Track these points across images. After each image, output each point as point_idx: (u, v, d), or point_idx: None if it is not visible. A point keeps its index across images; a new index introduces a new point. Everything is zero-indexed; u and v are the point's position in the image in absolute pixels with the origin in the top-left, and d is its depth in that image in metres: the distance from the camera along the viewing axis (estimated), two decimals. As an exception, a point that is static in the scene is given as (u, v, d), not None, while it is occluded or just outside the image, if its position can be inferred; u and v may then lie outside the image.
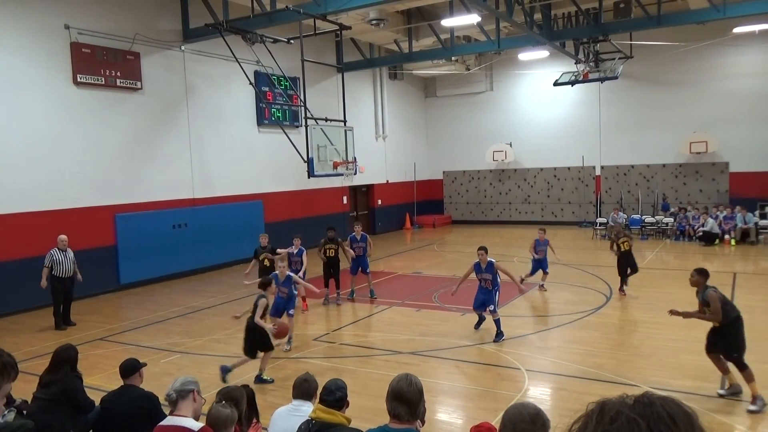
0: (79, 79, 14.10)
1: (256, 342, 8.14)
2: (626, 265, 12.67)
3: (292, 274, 10.01)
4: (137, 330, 11.40)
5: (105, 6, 14.78)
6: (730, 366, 7.07)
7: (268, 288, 8.54)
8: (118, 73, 14.94)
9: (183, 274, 16.50)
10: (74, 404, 5.13)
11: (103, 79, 14.58)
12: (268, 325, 8.21)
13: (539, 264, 13.43)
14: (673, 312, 7.37)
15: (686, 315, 7.36)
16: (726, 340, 7.01)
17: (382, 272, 15.97)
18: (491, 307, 9.94)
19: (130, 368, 5.24)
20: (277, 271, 10.01)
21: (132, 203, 15.49)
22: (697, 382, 7.63)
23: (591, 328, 10.39)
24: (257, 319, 8.07)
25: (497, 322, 9.83)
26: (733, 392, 7.07)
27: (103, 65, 14.58)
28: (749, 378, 6.80)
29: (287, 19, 15.07)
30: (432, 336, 10.04)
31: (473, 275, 10.19)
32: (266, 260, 12.17)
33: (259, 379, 8.15)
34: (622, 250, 12.60)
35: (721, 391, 7.19)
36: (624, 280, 12.68)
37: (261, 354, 8.25)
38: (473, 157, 27.53)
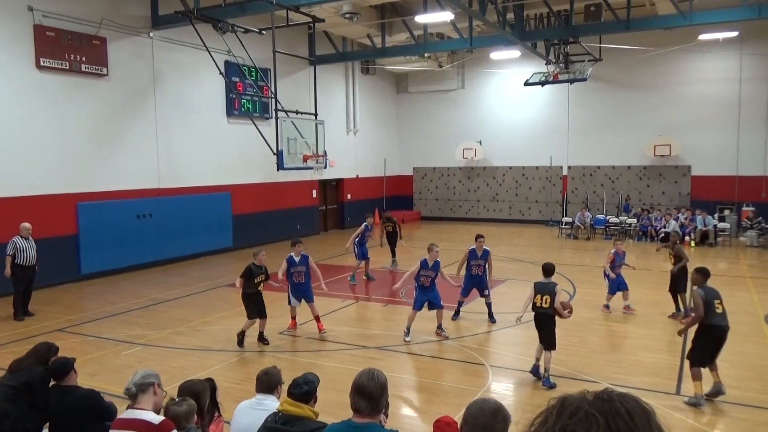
0: (42, 63, 13.68)
1: (550, 335, 7.86)
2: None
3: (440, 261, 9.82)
4: (98, 321, 11.16)
5: (70, -12, 14.37)
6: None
7: (551, 276, 8.22)
8: (83, 58, 14.55)
9: (146, 266, 16.18)
10: (34, 399, 4.99)
11: (67, 63, 14.19)
12: (564, 312, 7.92)
13: (617, 283, 11.33)
14: (681, 333, 8.11)
15: (683, 330, 7.82)
16: (696, 336, 7.21)
17: (350, 267, 15.95)
18: (486, 291, 10.69)
19: (64, 369, 4.85)
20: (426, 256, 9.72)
21: (95, 192, 15.11)
22: (654, 379, 7.85)
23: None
24: (557, 304, 7.77)
25: (490, 305, 10.63)
26: (716, 391, 7.07)
27: (67, 49, 14.17)
28: (695, 377, 7.02)
29: (259, 10, 14.89)
30: (398, 331, 10.05)
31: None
32: (261, 285, 9.79)
33: (542, 378, 7.82)
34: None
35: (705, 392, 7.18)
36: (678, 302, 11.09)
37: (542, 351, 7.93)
38: (443, 154, 27.67)
